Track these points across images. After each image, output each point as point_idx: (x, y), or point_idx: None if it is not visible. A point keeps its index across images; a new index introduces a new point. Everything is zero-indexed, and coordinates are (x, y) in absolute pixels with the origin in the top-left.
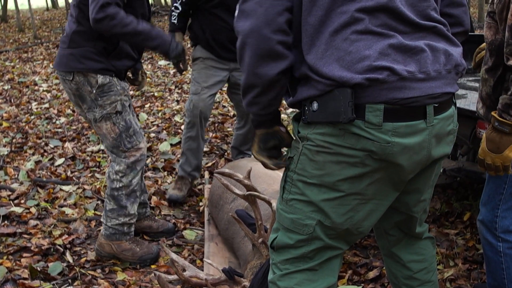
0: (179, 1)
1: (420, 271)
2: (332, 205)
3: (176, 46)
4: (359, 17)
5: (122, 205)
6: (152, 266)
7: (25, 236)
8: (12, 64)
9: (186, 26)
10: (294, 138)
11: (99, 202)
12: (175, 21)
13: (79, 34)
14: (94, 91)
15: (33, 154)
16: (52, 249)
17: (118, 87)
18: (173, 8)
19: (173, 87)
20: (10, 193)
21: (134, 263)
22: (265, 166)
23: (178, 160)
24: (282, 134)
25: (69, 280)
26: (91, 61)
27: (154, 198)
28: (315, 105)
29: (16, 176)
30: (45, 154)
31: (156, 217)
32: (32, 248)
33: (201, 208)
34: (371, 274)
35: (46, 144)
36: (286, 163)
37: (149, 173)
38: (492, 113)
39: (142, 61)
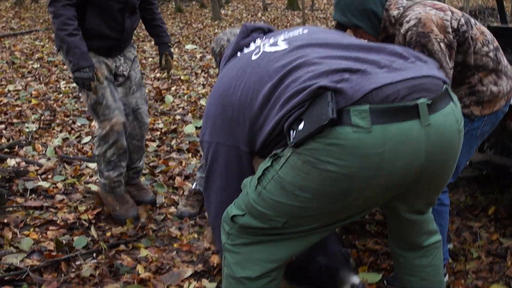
0: None
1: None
2: (305, 211)
3: (83, 73)
4: None
5: (101, 170)
6: (175, 245)
7: (52, 210)
8: (42, 43)
9: None
10: (289, 143)
11: None
12: None
13: None
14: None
15: (61, 131)
16: (77, 224)
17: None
18: None
19: (199, 71)
20: (38, 168)
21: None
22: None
23: None
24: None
25: (93, 254)
26: None
27: (178, 179)
28: (301, 125)
29: (43, 152)
30: (72, 131)
31: (142, 186)
32: (58, 221)
33: None
34: (392, 262)
35: (74, 122)
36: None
37: (173, 154)
38: None
39: (169, 44)
